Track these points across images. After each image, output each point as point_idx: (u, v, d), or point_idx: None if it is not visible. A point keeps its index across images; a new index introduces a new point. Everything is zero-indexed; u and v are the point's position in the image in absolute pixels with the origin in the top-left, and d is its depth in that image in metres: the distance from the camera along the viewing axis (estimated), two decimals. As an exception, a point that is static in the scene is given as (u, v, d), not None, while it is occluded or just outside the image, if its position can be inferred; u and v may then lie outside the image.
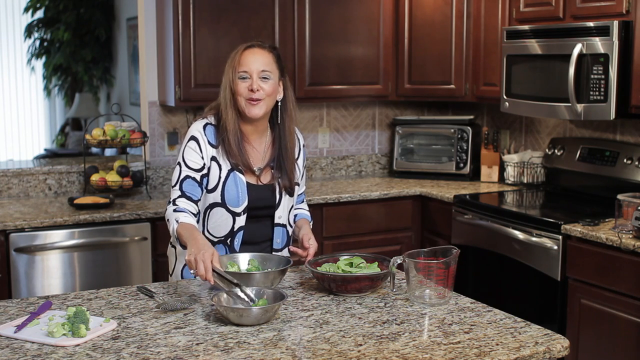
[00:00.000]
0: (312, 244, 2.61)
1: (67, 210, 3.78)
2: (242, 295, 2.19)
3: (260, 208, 2.63)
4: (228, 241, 2.62)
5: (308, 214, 2.85)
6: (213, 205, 2.59)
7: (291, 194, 2.68)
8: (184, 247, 2.46)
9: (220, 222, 2.60)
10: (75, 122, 8.91)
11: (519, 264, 3.67)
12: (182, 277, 2.70)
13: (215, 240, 2.62)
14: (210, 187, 2.58)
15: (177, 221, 2.45)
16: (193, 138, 2.58)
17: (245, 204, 2.58)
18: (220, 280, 2.24)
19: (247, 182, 2.59)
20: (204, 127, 2.60)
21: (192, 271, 2.25)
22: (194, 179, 2.55)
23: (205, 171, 2.57)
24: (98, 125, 5.44)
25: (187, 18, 4.11)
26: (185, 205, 2.52)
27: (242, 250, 2.61)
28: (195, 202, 2.56)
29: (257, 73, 2.52)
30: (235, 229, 2.60)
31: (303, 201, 2.87)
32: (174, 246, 2.75)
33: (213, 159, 2.58)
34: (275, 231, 2.67)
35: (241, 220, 2.60)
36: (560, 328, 3.45)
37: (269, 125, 2.67)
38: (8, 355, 1.87)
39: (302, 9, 4.40)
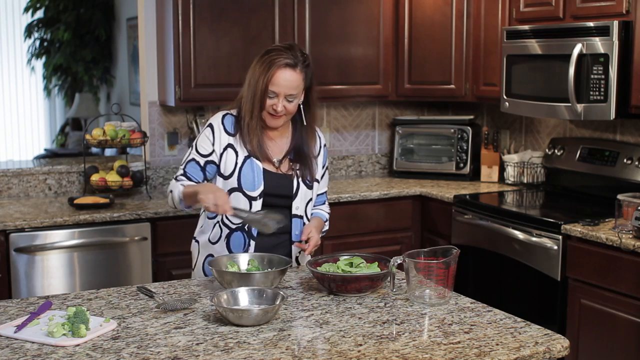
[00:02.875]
0: (312, 236, 2.64)
1: (67, 210, 3.78)
2: (267, 220, 2.45)
3: (277, 196, 2.67)
4: (245, 227, 2.67)
5: (325, 214, 2.87)
6: (232, 191, 2.66)
7: (309, 187, 2.72)
8: (189, 207, 2.62)
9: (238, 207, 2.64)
10: (75, 122, 8.91)
11: (519, 264, 3.67)
12: (203, 271, 2.75)
13: (234, 227, 2.68)
14: (227, 173, 2.66)
15: (182, 186, 2.60)
16: (210, 125, 2.70)
17: (261, 188, 2.64)
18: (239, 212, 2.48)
19: (264, 169, 2.66)
20: (224, 117, 2.70)
21: (206, 205, 2.42)
22: (197, 163, 2.67)
23: (211, 158, 2.66)
24: (98, 125, 5.44)
25: (187, 18, 4.11)
26: (185, 183, 2.66)
27: (260, 241, 2.66)
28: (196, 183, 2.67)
29: (284, 96, 2.59)
30: None
31: (324, 203, 2.90)
32: (197, 240, 2.80)
33: (229, 146, 2.66)
34: (294, 222, 2.71)
35: (257, 205, 2.64)
36: (560, 328, 3.45)
37: (291, 121, 2.74)
38: (8, 355, 1.87)
39: (302, 9, 4.40)
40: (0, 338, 1.99)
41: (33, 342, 1.96)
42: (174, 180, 2.68)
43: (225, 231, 2.69)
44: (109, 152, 6.94)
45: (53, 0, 8.39)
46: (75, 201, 3.83)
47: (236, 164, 2.65)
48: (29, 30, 8.60)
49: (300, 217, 2.72)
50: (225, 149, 2.66)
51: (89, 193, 4.16)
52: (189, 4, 4.10)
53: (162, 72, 4.34)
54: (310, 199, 2.76)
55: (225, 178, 2.66)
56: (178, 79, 4.13)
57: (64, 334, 1.98)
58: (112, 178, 4.07)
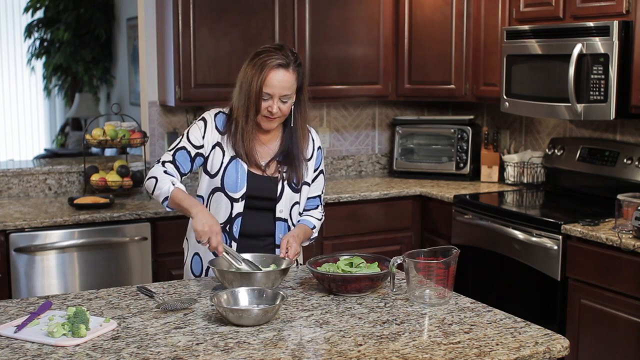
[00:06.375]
0: (290, 246, 2.55)
1: (67, 210, 3.78)
2: (247, 267, 2.40)
3: (260, 198, 2.66)
4: (227, 228, 2.65)
5: (314, 221, 2.77)
6: (215, 190, 2.66)
7: (295, 190, 2.69)
8: (172, 208, 2.56)
9: (220, 207, 2.65)
10: (75, 122, 8.91)
11: (519, 264, 3.67)
12: (191, 269, 2.76)
13: None
14: (213, 172, 2.65)
15: (173, 184, 2.54)
16: (203, 119, 2.70)
17: (244, 190, 2.63)
18: (226, 255, 2.45)
19: (248, 171, 2.64)
20: (216, 114, 2.69)
21: (202, 240, 2.42)
22: (188, 152, 2.64)
23: (201, 151, 2.65)
24: (98, 125, 5.44)
25: (187, 18, 4.11)
26: (173, 172, 2.60)
27: (244, 244, 2.64)
28: (181, 174, 2.64)
29: (278, 96, 2.57)
30: (233, 216, 2.64)
31: (317, 207, 2.81)
32: (187, 239, 2.81)
33: (218, 144, 2.65)
34: (277, 226, 2.69)
35: (239, 207, 2.63)
36: (560, 328, 3.45)
37: (282, 124, 2.71)
38: (8, 355, 1.87)
39: (302, 9, 4.40)
40: (0, 338, 1.99)
41: (33, 342, 1.96)
42: (159, 166, 2.60)
43: None
44: (109, 152, 6.94)
45: (53, 0, 8.39)
46: (75, 201, 3.83)
47: (222, 163, 2.64)
48: (29, 30, 8.60)
49: (285, 220, 2.69)
50: (213, 147, 2.65)
51: (89, 193, 4.16)
52: (189, 4, 4.10)
53: (162, 72, 4.34)
54: (297, 202, 2.71)
55: (211, 177, 2.66)
56: (178, 79, 4.13)
57: (64, 334, 1.98)
58: (112, 178, 4.07)
